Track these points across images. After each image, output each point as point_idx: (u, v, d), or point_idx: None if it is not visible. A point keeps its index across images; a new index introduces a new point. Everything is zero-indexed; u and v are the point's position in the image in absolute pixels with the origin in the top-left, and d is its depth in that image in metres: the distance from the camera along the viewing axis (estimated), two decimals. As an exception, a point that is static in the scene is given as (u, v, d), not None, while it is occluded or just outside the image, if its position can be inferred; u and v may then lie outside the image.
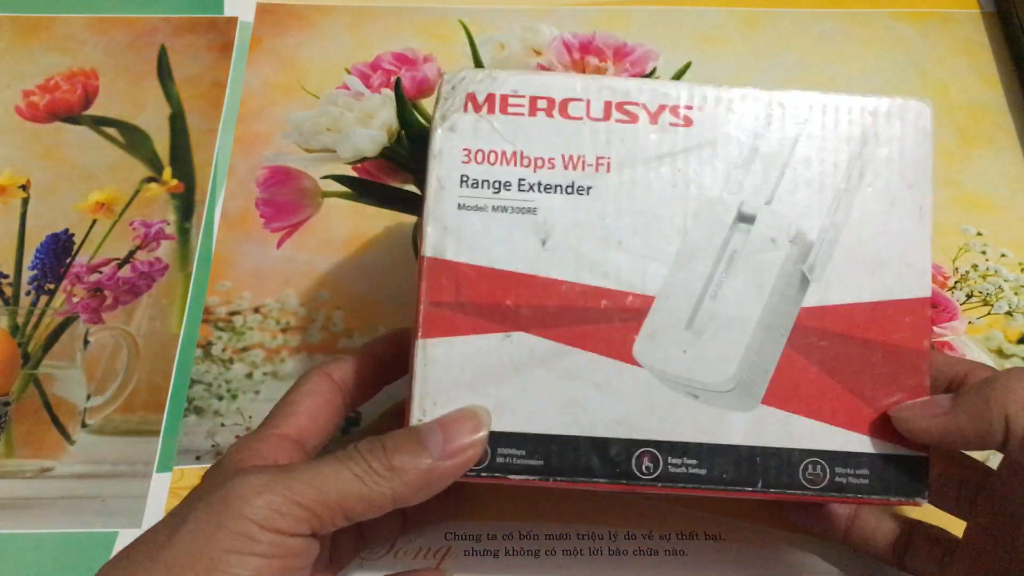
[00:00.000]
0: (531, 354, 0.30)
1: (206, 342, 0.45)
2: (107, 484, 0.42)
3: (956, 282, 0.47)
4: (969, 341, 0.45)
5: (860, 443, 0.31)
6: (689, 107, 0.32)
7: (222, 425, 0.43)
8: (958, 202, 0.49)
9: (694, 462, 0.30)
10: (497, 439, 0.30)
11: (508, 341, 0.31)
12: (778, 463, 0.31)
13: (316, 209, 0.50)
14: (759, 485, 0.30)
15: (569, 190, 0.31)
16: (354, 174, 0.51)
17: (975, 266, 0.47)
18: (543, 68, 0.54)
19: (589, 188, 0.31)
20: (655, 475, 0.30)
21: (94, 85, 0.54)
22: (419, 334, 0.31)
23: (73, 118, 0.53)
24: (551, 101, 0.31)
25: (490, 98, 0.31)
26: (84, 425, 0.43)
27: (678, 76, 0.54)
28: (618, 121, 0.31)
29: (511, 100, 0.31)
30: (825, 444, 0.31)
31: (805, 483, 0.31)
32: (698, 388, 0.31)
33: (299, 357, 0.45)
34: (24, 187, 0.51)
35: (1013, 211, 0.49)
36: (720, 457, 0.30)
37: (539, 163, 0.31)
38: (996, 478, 0.33)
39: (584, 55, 0.55)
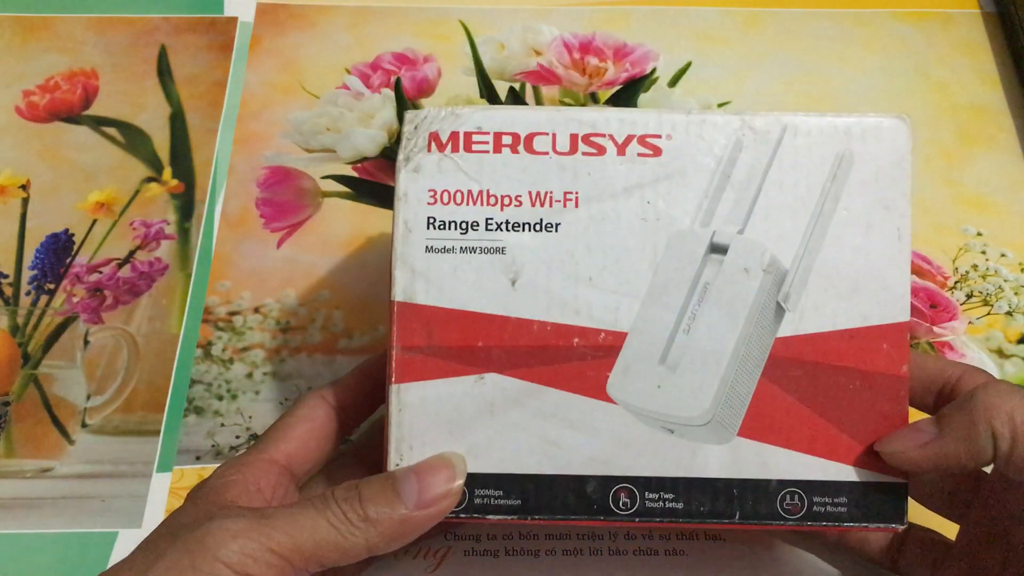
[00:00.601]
0: (504, 395, 0.30)
1: (206, 342, 0.45)
2: (107, 484, 0.42)
3: (956, 282, 0.47)
4: (969, 341, 0.45)
5: (838, 472, 0.31)
6: (657, 136, 0.31)
7: (222, 425, 0.43)
8: (958, 202, 0.49)
9: (671, 496, 0.30)
10: (474, 480, 0.30)
11: (481, 383, 0.31)
12: (755, 495, 0.31)
13: (316, 209, 0.50)
14: (736, 517, 0.31)
15: (537, 227, 0.31)
16: (354, 174, 0.51)
17: (975, 266, 0.47)
18: (543, 68, 0.54)
19: (557, 225, 0.31)
20: (632, 510, 0.30)
21: (94, 85, 0.54)
22: (392, 379, 0.31)
23: (73, 118, 0.53)
24: (515, 136, 0.31)
25: (453, 136, 0.31)
26: (84, 425, 0.43)
27: (678, 76, 0.54)
28: (585, 154, 0.31)
29: (475, 137, 0.31)
30: (802, 474, 0.31)
31: (783, 513, 0.31)
32: (673, 423, 0.30)
33: (299, 357, 0.45)
34: (24, 187, 0.51)
35: (1013, 211, 0.49)
36: (697, 491, 0.31)
37: (506, 201, 0.31)
38: (988, 485, 0.33)
39: (584, 55, 0.55)
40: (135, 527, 0.40)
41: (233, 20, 0.57)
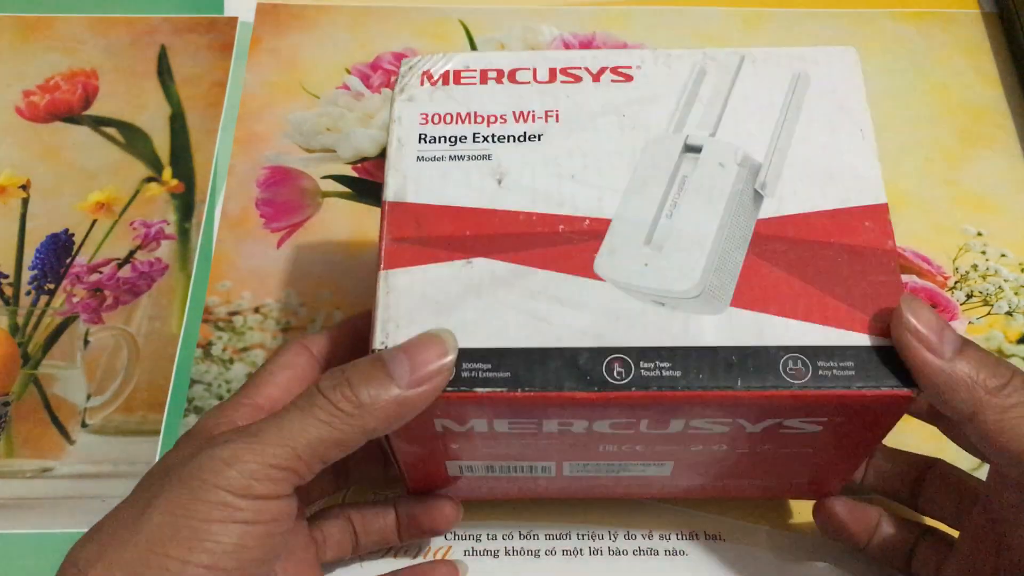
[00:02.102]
0: (492, 276, 0.31)
1: (206, 342, 0.45)
2: (107, 484, 0.42)
3: (956, 282, 0.47)
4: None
5: (840, 337, 0.30)
6: (628, 66, 0.35)
7: (222, 425, 0.43)
8: (958, 202, 0.49)
9: (667, 365, 0.29)
10: (462, 354, 0.30)
11: (469, 266, 0.31)
12: (756, 361, 0.30)
13: (316, 209, 0.50)
14: (739, 384, 0.29)
15: (521, 139, 0.33)
16: (354, 174, 0.51)
17: (975, 266, 0.47)
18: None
19: (540, 136, 0.33)
20: (627, 380, 0.29)
21: (94, 85, 0.54)
22: (381, 266, 0.31)
23: (73, 118, 0.53)
24: (500, 71, 0.35)
25: (444, 74, 0.35)
26: (84, 425, 0.43)
27: (678, 76, 0.54)
28: (563, 82, 0.34)
29: (463, 73, 0.35)
30: (803, 340, 0.30)
31: (787, 378, 0.29)
32: (664, 296, 0.30)
33: (299, 357, 0.45)
34: (24, 187, 0.51)
35: (1013, 211, 0.49)
36: (694, 359, 0.30)
37: (492, 119, 0.34)
38: (985, 488, 0.33)
39: (584, 55, 0.55)
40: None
41: (233, 20, 0.57)
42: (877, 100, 0.53)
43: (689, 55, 0.35)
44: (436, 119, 0.34)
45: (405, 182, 0.33)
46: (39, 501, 0.41)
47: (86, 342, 0.46)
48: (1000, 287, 0.47)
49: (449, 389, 0.29)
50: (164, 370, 0.45)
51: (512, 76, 0.34)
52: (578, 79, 0.34)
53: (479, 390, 0.29)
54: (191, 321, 0.46)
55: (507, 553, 0.39)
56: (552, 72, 0.34)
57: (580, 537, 0.40)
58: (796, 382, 0.29)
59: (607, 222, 0.32)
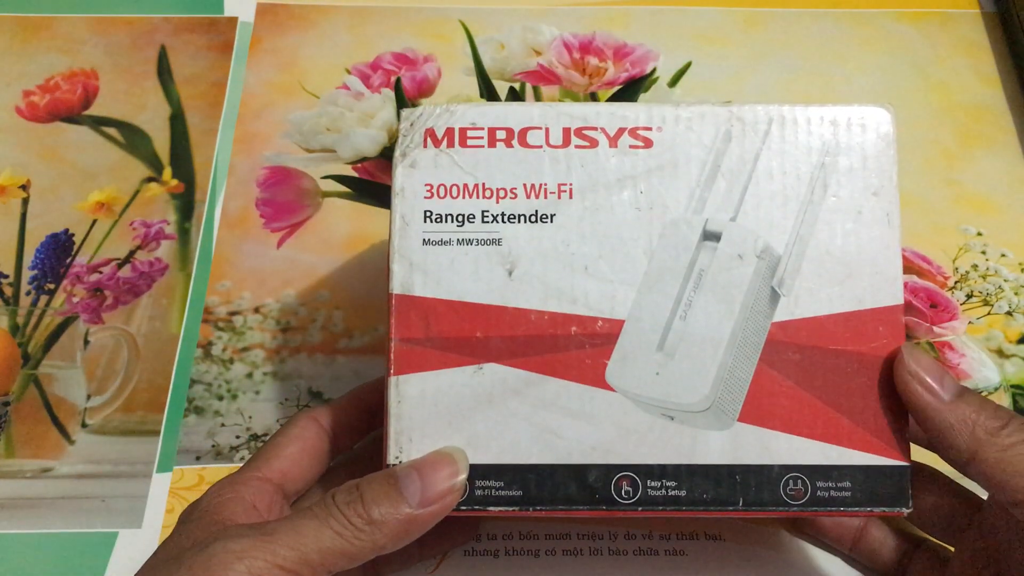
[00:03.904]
0: (504, 385, 0.30)
1: (206, 342, 0.45)
2: (107, 484, 0.42)
3: (956, 282, 0.47)
4: (969, 341, 0.45)
5: (839, 455, 0.31)
6: (648, 128, 0.32)
7: (222, 425, 0.43)
8: (958, 202, 0.49)
9: (673, 484, 0.30)
10: (475, 471, 0.30)
11: (480, 373, 0.31)
12: (758, 480, 0.30)
13: (316, 209, 0.50)
14: (740, 504, 0.30)
15: (532, 219, 0.31)
16: (354, 174, 0.51)
17: (975, 266, 0.47)
18: (543, 68, 0.54)
19: (552, 216, 0.31)
20: (635, 499, 0.30)
21: (94, 85, 0.54)
22: (391, 371, 0.31)
23: (73, 118, 0.53)
24: (509, 131, 0.32)
25: (449, 132, 0.32)
26: (84, 425, 0.43)
27: (678, 76, 0.54)
28: (577, 147, 0.32)
29: (470, 133, 0.32)
30: (804, 459, 0.31)
31: (786, 499, 0.30)
32: (673, 409, 0.30)
33: (299, 357, 0.45)
34: (24, 187, 0.51)
35: (1013, 211, 0.49)
36: (699, 477, 0.30)
37: (501, 194, 0.31)
38: (984, 513, 0.33)
39: (584, 55, 0.55)
40: (135, 527, 0.40)
41: (233, 20, 0.57)
42: (877, 100, 0.53)
43: (713, 114, 0.32)
44: (442, 191, 0.31)
45: (411, 272, 0.31)
46: (39, 501, 0.41)
47: (86, 342, 0.46)
48: (1000, 287, 0.47)
49: (463, 508, 0.30)
50: (164, 370, 0.45)
51: (523, 138, 0.32)
52: (594, 143, 0.32)
53: (492, 508, 0.30)
54: (191, 321, 0.46)
55: (507, 553, 0.39)
56: (566, 133, 0.32)
57: (580, 537, 0.40)
58: (795, 503, 0.30)
59: (620, 324, 0.31)
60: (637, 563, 0.39)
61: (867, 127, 0.32)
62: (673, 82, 0.54)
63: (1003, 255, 0.47)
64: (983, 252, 0.48)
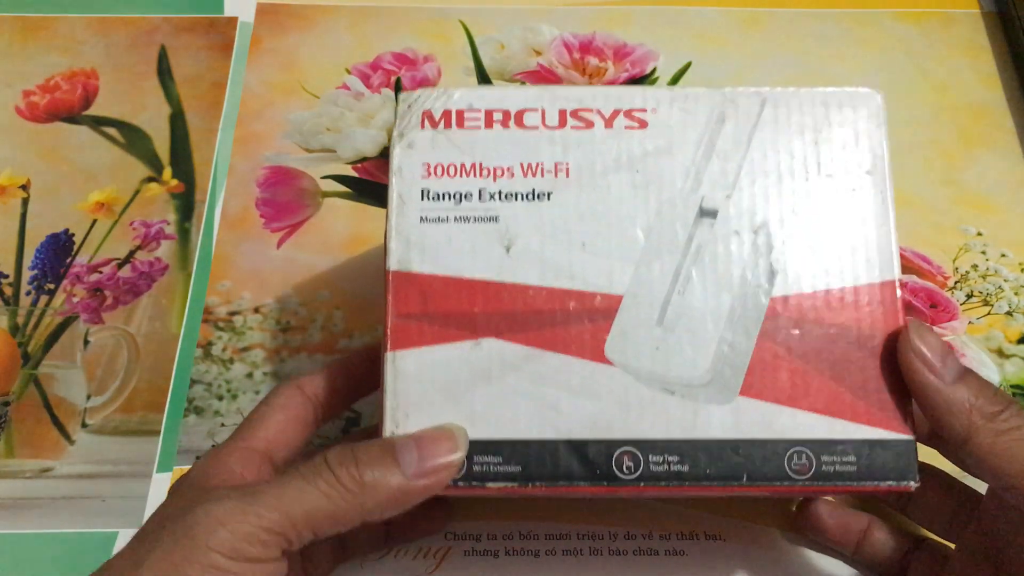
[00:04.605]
0: (501, 360, 0.30)
1: (206, 342, 0.45)
2: (107, 484, 0.42)
3: (956, 282, 0.47)
4: (969, 341, 0.45)
5: (844, 430, 0.30)
6: (643, 110, 0.32)
7: (222, 425, 0.43)
8: (958, 202, 0.49)
9: (675, 459, 0.30)
10: (473, 447, 0.30)
11: (478, 348, 0.30)
12: (762, 455, 0.30)
13: (316, 209, 0.50)
14: (744, 479, 0.30)
15: (529, 197, 0.31)
16: (354, 174, 0.51)
17: (975, 266, 0.47)
18: (543, 68, 0.54)
19: (549, 194, 0.31)
20: (636, 475, 0.30)
21: (94, 85, 0.54)
22: (388, 347, 0.31)
23: (73, 118, 0.53)
24: (506, 113, 0.32)
25: (446, 114, 0.32)
26: (84, 425, 0.43)
27: (678, 76, 0.54)
28: (573, 128, 0.32)
29: (467, 115, 0.32)
30: (808, 433, 0.30)
31: (791, 473, 0.30)
32: (673, 383, 0.30)
33: (299, 357, 0.45)
34: (24, 187, 0.51)
35: (1013, 211, 0.49)
36: (702, 452, 0.30)
37: (498, 173, 0.32)
38: (984, 506, 0.33)
39: (584, 55, 0.55)
40: (135, 527, 0.40)
41: (233, 20, 0.57)
42: (877, 100, 0.53)
43: (708, 96, 0.32)
44: (439, 171, 0.32)
45: (409, 248, 0.31)
46: (39, 501, 0.41)
47: (86, 342, 0.46)
48: (1000, 287, 0.47)
49: (461, 483, 0.29)
50: (164, 370, 0.45)
51: (519, 119, 0.32)
52: (590, 124, 0.32)
53: (490, 485, 0.30)
54: (191, 321, 0.46)
55: (507, 553, 0.39)
56: (562, 115, 0.32)
57: (580, 537, 0.40)
58: (800, 478, 0.30)
59: (618, 299, 0.31)
60: (637, 563, 0.39)
61: (857, 107, 0.33)
62: (673, 82, 0.54)
63: (1003, 255, 0.47)
64: (983, 252, 0.48)
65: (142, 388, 0.44)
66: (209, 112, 0.53)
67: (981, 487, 0.34)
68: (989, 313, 0.46)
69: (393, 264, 0.31)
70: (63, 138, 0.52)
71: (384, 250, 0.32)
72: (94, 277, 0.47)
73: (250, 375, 0.44)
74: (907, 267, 0.47)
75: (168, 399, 0.44)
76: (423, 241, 0.31)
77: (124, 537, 0.40)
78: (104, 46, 0.56)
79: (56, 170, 0.51)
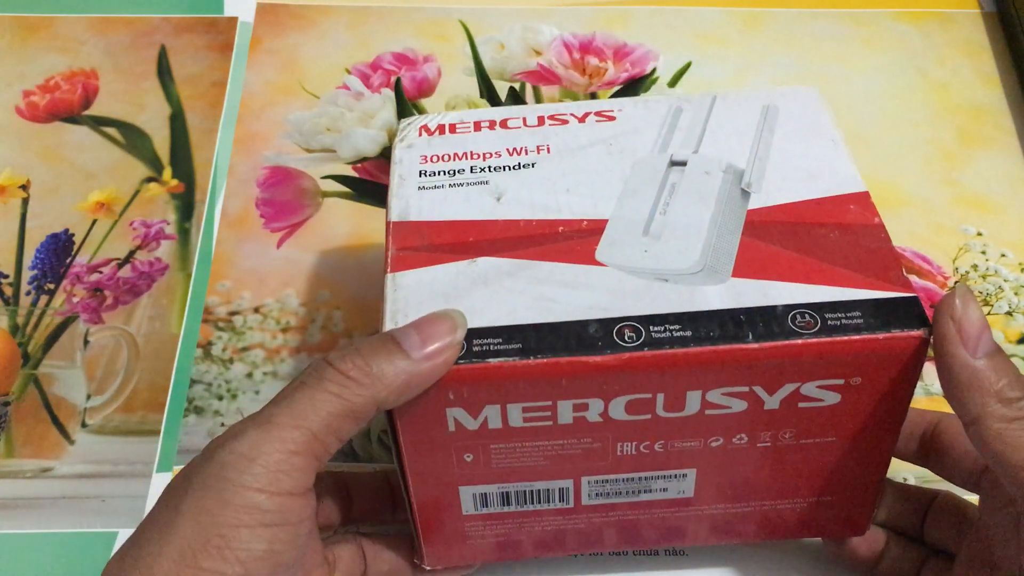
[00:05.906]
0: (497, 270, 0.32)
1: (206, 342, 0.45)
2: (107, 484, 0.42)
3: (956, 282, 0.47)
4: (969, 341, 0.45)
5: (844, 293, 0.30)
6: (610, 111, 0.37)
7: (222, 425, 0.43)
8: (958, 202, 0.49)
9: (677, 327, 0.30)
10: (472, 332, 0.30)
11: (474, 264, 0.32)
12: (764, 317, 0.30)
13: (316, 209, 0.50)
14: (749, 338, 0.30)
15: (516, 167, 0.35)
16: (354, 174, 0.51)
17: (975, 266, 0.47)
18: (543, 68, 0.54)
19: (534, 164, 0.35)
20: (639, 342, 0.30)
21: (94, 85, 0.54)
22: (387, 270, 0.32)
23: (73, 118, 0.53)
24: (492, 121, 0.37)
25: (440, 126, 0.37)
26: (84, 425, 0.43)
27: (678, 76, 0.54)
28: (551, 124, 0.37)
29: (458, 125, 0.37)
30: (808, 298, 0.30)
31: (797, 329, 0.30)
32: (666, 274, 0.31)
33: (299, 357, 0.45)
34: (24, 187, 0.51)
35: (1013, 211, 0.49)
36: (703, 320, 0.30)
37: (487, 155, 0.36)
38: (979, 510, 0.33)
39: (584, 55, 0.55)
40: (135, 527, 0.40)
41: (233, 20, 0.57)
42: (877, 100, 0.53)
43: (665, 100, 0.37)
44: (435, 159, 0.36)
45: (408, 205, 0.34)
46: (39, 501, 0.41)
47: (86, 342, 0.46)
48: (1000, 287, 0.47)
49: (461, 361, 0.29)
50: (164, 370, 0.45)
51: (504, 124, 0.37)
52: (565, 121, 0.37)
53: (491, 360, 0.29)
54: (191, 321, 0.46)
55: (507, 553, 0.39)
56: (540, 118, 0.37)
57: (580, 537, 0.40)
58: (806, 332, 0.30)
59: (604, 222, 0.33)
60: (637, 563, 0.39)
61: (798, 98, 0.37)
62: (673, 82, 0.54)
63: (1003, 255, 0.47)
64: (983, 252, 0.48)
65: (142, 388, 0.44)
66: (209, 112, 0.53)
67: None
68: (989, 313, 0.46)
69: (393, 217, 0.34)
70: (63, 138, 0.52)
71: (386, 215, 0.34)
72: (94, 277, 0.47)
73: (250, 375, 0.44)
74: (907, 267, 0.47)
75: (168, 399, 0.44)
76: (421, 202, 0.34)
77: (124, 537, 0.40)
78: (104, 46, 0.56)
79: (56, 170, 0.51)
